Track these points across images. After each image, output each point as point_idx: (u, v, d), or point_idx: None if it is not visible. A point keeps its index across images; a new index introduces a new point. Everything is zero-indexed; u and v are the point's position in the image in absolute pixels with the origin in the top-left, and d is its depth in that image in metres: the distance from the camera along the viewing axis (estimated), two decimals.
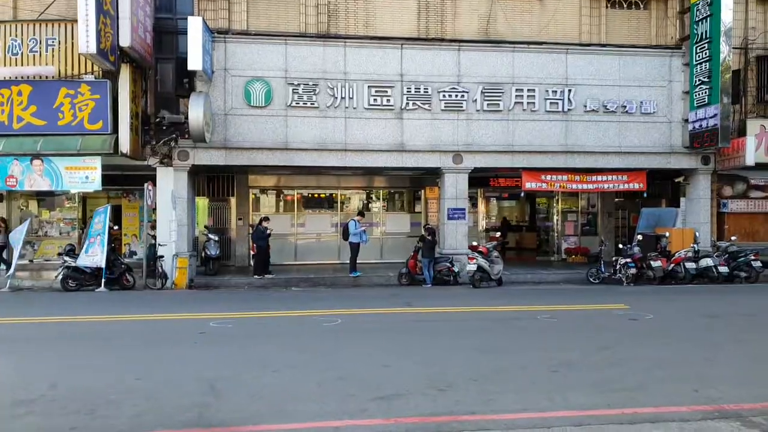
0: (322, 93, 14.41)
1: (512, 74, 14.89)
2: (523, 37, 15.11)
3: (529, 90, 14.92)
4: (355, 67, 14.49)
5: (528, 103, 14.94)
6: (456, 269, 14.02)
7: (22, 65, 13.80)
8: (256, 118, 14.32)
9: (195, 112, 13.14)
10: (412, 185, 18.67)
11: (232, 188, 17.41)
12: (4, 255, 15.20)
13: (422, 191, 18.60)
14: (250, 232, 16.49)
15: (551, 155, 15.13)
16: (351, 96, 14.45)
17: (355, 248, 14.75)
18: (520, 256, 19.87)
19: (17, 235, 14.21)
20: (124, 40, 12.40)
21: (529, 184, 15.25)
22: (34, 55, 13.78)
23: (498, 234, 17.18)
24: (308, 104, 14.38)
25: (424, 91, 14.62)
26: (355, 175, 17.88)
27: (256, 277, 14.49)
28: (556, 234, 19.49)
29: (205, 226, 16.64)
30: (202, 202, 17.46)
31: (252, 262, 15.59)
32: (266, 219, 15.28)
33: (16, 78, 13.54)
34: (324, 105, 14.41)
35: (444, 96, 14.67)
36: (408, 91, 14.59)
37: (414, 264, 14.16)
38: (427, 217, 17.94)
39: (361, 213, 15.68)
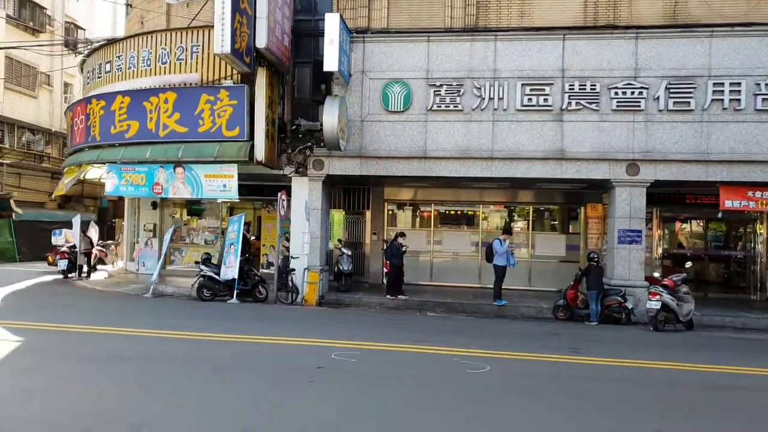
0: (467, 94, 12.77)
1: (708, 65, 12.01)
2: (725, 18, 12.17)
3: (732, 84, 11.91)
4: (507, 63, 12.65)
5: (731, 100, 11.91)
6: (629, 305, 11.41)
7: (169, 73, 13.94)
8: (393, 125, 13.06)
9: (329, 116, 12.20)
10: (566, 201, 16.21)
11: (368, 201, 16.36)
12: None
13: (580, 209, 16.02)
14: (384, 247, 15.25)
15: (763, 166, 11.96)
16: (501, 96, 12.63)
17: (500, 272, 12.78)
18: (702, 291, 16.08)
19: (163, 242, 14.39)
20: (261, 41, 11.81)
21: (730, 203, 12.09)
22: (180, 63, 13.86)
23: (688, 264, 13.78)
24: (451, 107, 12.82)
25: (591, 88, 12.33)
26: (498, 189, 15.89)
27: (388, 297, 13.14)
28: (759, 266, 15.65)
29: (339, 240, 15.73)
30: (338, 215, 16.62)
31: (385, 280, 14.27)
32: (402, 235, 13.93)
33: (163, 86, 13.68)
34: (469, 107, 12.75)
35: (616, 93, 12.25)
36: (570, 89, 12.40)
37: (574, 295, 11.80)
38: (587, 239, 15.38)
39: (507, 231, 13.61)
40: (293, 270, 12.85)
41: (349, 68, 13.11)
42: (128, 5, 17.74)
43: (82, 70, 17.57)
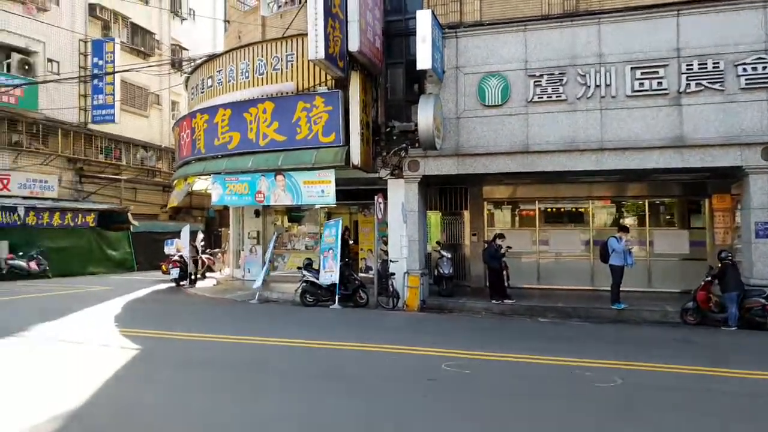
0: (570, 83, 11.95)
1: None
2: None
3: None
4: (613, 47, 11.71)
5: None
6: None
7: (266, 84, 14.23)
8: (490, 119, 12.50)
9: (424, 115, 11.86)
10: (686, 193, 14.75)
11: (466, 201, 15.82)
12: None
13: (704, 201, 14.52)
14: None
15: None
16: (608, 83, 11.70)
17: (617, 272, 11.79)
18: None
19: (267, 248, 14.73)
20: (353, 45, 11.70)
21: None
22: (276, 73, 14.09)
23: None
24: (553, 97, 12.05)
25: (714, 67, 11.10)
26: (606, 182, 14.77)
27: (494, 301, 12.55)
28: None
29: (438, 242, 15.33)
30: (435, 217, 16.23)
31: (488, 284, 13.67)
32: (501, 236, 13.29)
33: (261, 96, 13.97)
34: (573, 96, 11.92)
35: (744, 70, 10.94)
36: (688, 69, 11.24)
37: (705, 297, 10.56)
38: (713, 234, 13.91)
39: (623, 228, 12.55)
40: (393, 274, 12.63)
41: (443, 65, 12.71)
42: (226, 21, 18.42)
43: (186, 87, 18.45)
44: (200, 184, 16.84)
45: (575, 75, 11.91)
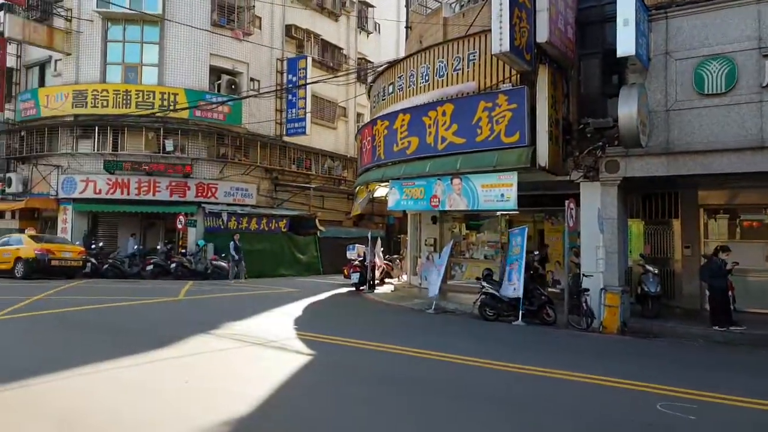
0: None
1: None
2: None
3: None
4: None
5: None
6: None
7: (446, 86, 13.70)
8: (710, 110, 10.46)
9: (626, 108, 10.28)
10: None
11: (676, 208, 13.57)
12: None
13: None
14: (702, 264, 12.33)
15: None
16: None
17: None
18: None
19: (442, 256, 14.15)
20: (542, 35, 10.57)
21: None
22: (456, 74, 13.50)
23: None
24: None
25: None
26: None
27: (716, 328, 10.40)
28: None
29: (641, 255, 13.34)
30: (636, 226, 14.19)
31: (708, 306, 11.43)
32: (725, 249, 11.01)
33: (441, 99, 13.47)
34: None
35: None
36: None
37: None
38: None
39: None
40: (586, 290, 11.14)
41: (648, 51, 10.98)
42: (408, 27, 18.38)
43: (369, 96, 18.77)
44: (381, 191, 16.91)
45: None
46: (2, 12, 21.54)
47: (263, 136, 24.18)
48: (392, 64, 15.97)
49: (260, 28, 24.43)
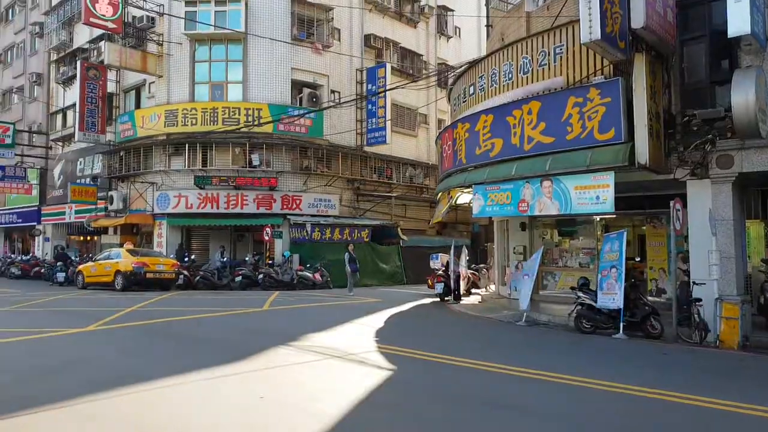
0: None
1: None
2: None
3: None
4: None
5: None
6: None
7: (531, 83, 12.93)
8: None
9: (742, 95, 9.13)
10: None
11: None
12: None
13: None
14: None
15: None
16: None
17: None
18: None
19: (531, 265, 13.28)
20: (637, 21, 9.64)
21: None
22: (542, 69, 12.70)
23: None
24: None
25: None
26: None
27: None
28: None
29: (763, 260, 11.83)
30: (756, 227, 12.63)
31: None
32: None
33: (526, 97, 12.71)
34: None
35: None
36: None
37: None
38: None
39: None
40: (698, 300, 9.92)
41: (765, 29, 9.71)
42: (489, 26, 17.69)
43: (449, 100, 18.22)
44: (464, 198, 16.27)
45: None
46: (103, 42, 23.03)
47: (344, 147, 24.22)
48: (472, 64, 15.35)
49: (339, 40, 24.57)
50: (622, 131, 10.65)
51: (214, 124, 21.64)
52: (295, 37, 22.79)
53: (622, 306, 10.47)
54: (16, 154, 28.70)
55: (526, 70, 13.08)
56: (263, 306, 14.50)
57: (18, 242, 34.50)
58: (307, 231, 22.04)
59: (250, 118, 21.63)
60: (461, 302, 16.74)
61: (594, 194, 11.14)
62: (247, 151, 22.06)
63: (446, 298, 16.81)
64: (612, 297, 10.67)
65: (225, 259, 21.50)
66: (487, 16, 18.26)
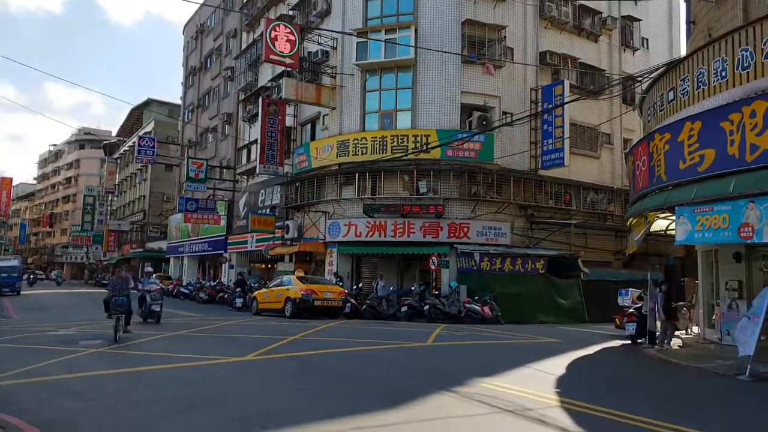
0: None
1: None
2: None
3: None
4: None
5: None
6: None
7: (753, 79, 10.43)
8: None
9: None
10: None
11: None
12: None
13: None
14: None
15: None
16: None
17: None
18: None
19: (759, 304, 10.47)
20: None
21: None
22: None
23: None
24: None
25: None
26: None
27: None
28: None
29: None
30: None
31: None
32: None
33: (747, 96, 10.26)
34: None
35: None
36: None
37: None
38: None
39: None
40: None
41: None
42: (691, 23, 15.12)
43: (641, 112, 15.91)
44: (658, 224, 13.82)
45: None
46: (282, 78, 24.48)
47: (516, 171, 22.60)
48: (671, 66, 13.05)
49: (512, 59, 23.25)
50: None
51: (383, 153, 21.56)
52: (465, 60, 22.01)
53: None
54: (207, 188, 31.75)
55: (745, 64, 10.61)
56: (427, 340, 13.42)
57: (210, 269, 38.04)
58: (475, 260, 20.71)
59: (418, 145, 21.17)
60: (662, 347, 14.05)
61: None
62: (414, 179, 21.60)
63: (639, 341, 14.28)
64: None
65: (392, 288, 21.04)
66: (688, 12, 15.64)
